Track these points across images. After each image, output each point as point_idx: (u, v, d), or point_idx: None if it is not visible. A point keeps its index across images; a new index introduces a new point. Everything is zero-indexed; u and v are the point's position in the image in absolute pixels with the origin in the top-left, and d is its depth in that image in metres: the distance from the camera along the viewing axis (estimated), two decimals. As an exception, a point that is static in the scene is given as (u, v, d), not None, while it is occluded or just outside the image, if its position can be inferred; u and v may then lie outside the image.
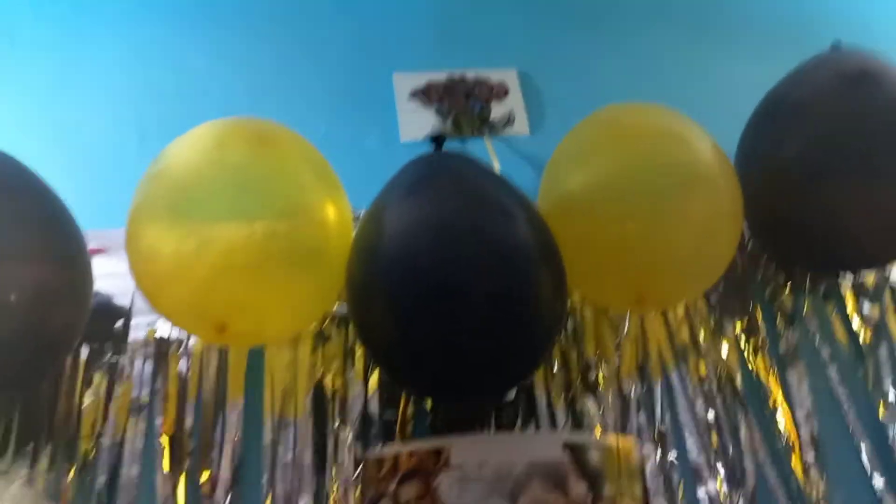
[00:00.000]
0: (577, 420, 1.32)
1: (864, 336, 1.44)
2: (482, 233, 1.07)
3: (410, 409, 1.30)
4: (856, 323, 1.45)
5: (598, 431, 1.31)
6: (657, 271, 1.20)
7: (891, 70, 1.29)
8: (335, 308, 1.33)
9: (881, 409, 1.39)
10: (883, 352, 1.43)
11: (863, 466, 1.34)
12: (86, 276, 1.18)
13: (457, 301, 1.02)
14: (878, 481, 1.33)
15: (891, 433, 1.37)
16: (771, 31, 1.72)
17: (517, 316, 1.06)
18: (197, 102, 1.54)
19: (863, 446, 1.36)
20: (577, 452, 1.10)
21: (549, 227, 1.20)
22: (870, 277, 1.48)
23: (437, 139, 1.22)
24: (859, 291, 1.47)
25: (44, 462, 1.21)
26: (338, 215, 1.18)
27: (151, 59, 1.60)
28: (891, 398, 1.40)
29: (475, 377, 1.08)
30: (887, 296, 1.47)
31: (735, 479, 1.31)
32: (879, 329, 1.45)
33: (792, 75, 1.36)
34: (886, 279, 1.48)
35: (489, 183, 1.16)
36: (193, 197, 1.10)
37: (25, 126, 1.49)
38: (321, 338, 1.34)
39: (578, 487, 1.10)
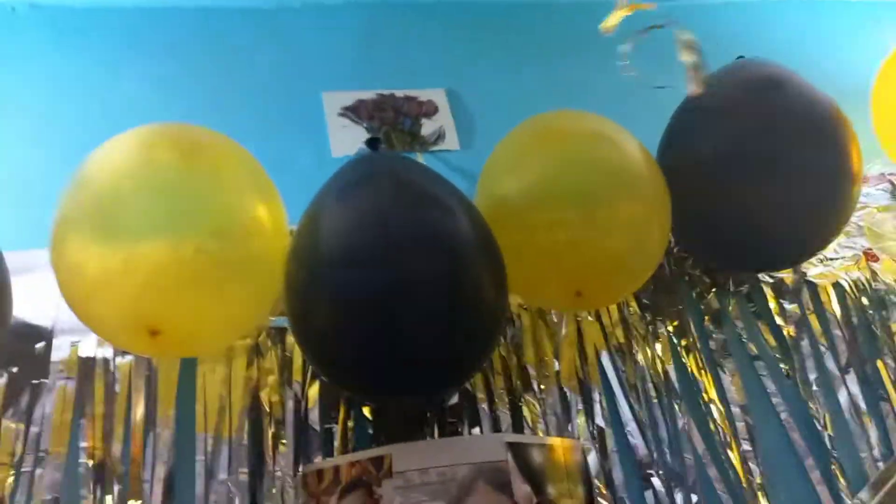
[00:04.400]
0: (519, 424, 1.32)
1: (787, 332, 1.49)
2: (422, 227, 1.05)
3: (351, 421, 1.27)
4: (778, 320, 1.50)
5: (539, 433, 1.31)
6: (593, 269, 1.21)
7: (793, 77, 1.37)
8: (270, 321, 1.30)
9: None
10: (805, 344, 1.48)
11: (797, 455, 1.37)
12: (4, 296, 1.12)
13: (401, 295, 1.00)
14: (814, 471, 1.36)
15: (819, 422, 1.41)
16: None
17: (463, 307, 1.04)
18: (123, 127, 1.49)
19: (795, 437, 1.39)
20: (519, 452, 1.09)
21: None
22: (788, 277, 1.54)
23: (374, 141, 1.22)
24: (779, 291, 1.53)
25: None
26: (273, 224, 1.14)
27: (77, 84, 1.54)
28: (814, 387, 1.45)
29: (423, 371, 1.05)
30: (805, 294, 1.53)
31: (675, 474, 1.32)
32: (800, 325, 1.50)
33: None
34: (803, 278, 1.54)
35: (427, 180, 1.15)
36: (118, 212, 1.05)
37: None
38: (256, 352, 1.30)
39: (522, 489, 1.09)
